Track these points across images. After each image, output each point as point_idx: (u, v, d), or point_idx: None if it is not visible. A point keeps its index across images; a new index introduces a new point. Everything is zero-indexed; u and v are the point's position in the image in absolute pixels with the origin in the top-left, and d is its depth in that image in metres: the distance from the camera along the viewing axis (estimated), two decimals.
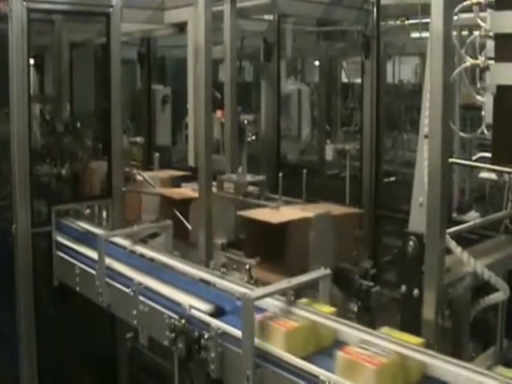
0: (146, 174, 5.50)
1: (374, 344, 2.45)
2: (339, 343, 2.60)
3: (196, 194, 4.31)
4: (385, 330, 2.63)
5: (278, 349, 2.58)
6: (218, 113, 5.27)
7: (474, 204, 5.75)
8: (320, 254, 3.82)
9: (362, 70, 5.78)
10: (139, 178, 5.44)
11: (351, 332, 2.64)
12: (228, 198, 4.58)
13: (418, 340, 2.51)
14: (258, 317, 2.68)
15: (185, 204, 4.61)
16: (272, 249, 3.84)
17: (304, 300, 2.95)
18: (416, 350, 2.42)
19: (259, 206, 4.35)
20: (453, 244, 2.67)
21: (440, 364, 2.36)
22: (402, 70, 10.37)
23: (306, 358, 2.51)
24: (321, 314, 2.78)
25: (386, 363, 2.30)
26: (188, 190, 4.88)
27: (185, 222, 4.47)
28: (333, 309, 2.88)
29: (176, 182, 5.39)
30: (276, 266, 3.77)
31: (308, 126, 7.71)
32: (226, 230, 4.34)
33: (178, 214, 4.50)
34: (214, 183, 4.47)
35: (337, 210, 4.19)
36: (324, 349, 2.60)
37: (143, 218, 5.11)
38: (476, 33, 2.80)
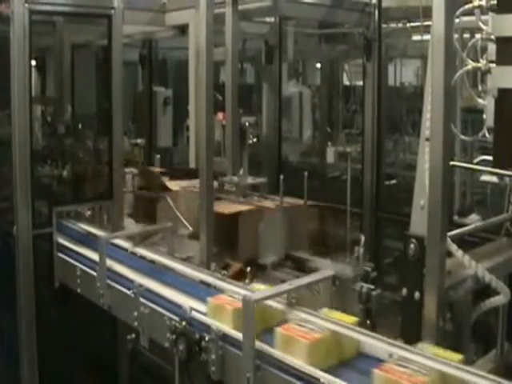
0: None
1: (312, 322, 2.63)
2: (282, 322, 2.73)
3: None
4: (325, 310, 2.81)
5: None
6: (219, 115, 5.27)
7: (475, 207, 5.74)
8: (270, 243, 4.12)
9: (363, 72, 5.77)
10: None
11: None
12: (195, 192, 4.65)
13: (352, 319, 2.70)
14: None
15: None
16: (227, 238, 4.17)
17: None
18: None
19: None
20: (454, 247, 2.67)
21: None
22: (403, 73, 10.35)
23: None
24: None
25: (318, 338, 2.50)
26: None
27: (178, 214, 4.57)
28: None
29: None
30: (229, 254, 4.12)
31: (309, 129, 7.69)
32: (194, 221, 4.45)
33: (170, 202, 4.59)
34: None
35: (290, 202, 4.46)
36: (270, 328, 2.72)
37: None
38: (477, 36, 2.81)
